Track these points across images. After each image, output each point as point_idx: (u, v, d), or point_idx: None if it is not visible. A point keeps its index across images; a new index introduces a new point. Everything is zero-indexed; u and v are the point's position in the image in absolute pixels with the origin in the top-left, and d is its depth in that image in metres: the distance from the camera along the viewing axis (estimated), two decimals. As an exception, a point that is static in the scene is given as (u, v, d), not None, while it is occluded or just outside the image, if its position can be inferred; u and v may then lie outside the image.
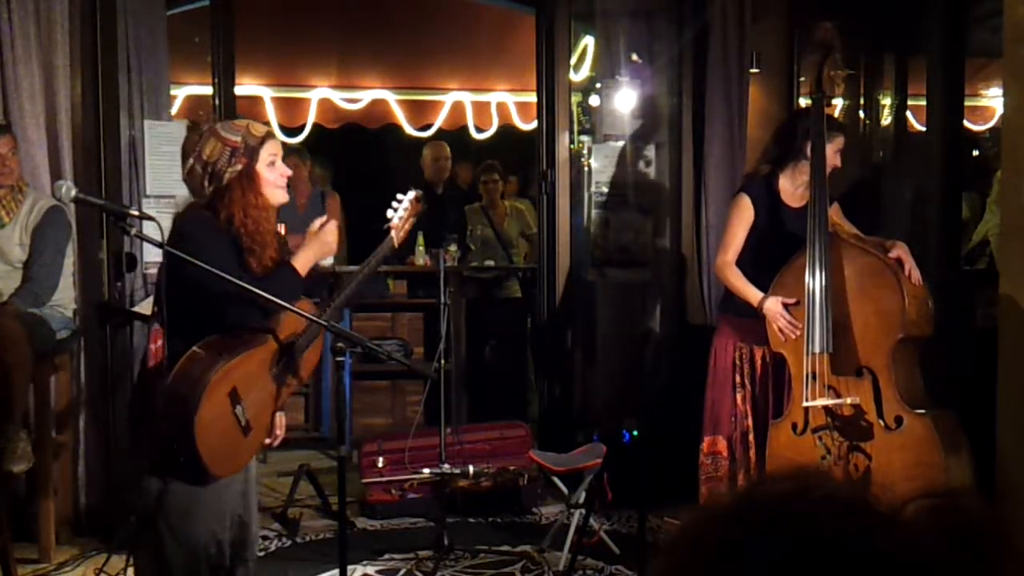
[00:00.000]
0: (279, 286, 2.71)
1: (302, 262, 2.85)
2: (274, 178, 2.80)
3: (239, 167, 2.72)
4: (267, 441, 3.04)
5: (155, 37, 4.78)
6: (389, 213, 3.17)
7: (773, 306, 3.69)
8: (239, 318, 2.73)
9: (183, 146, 2.81)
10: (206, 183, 2.73)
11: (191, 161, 2.75)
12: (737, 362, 3.91)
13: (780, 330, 3.67)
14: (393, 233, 3.14)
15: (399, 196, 3.22)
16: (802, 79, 5.37)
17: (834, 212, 3.79)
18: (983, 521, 0.71)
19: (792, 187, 3.90)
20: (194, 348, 2.65)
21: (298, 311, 2.74)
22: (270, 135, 2.82)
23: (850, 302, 3.59)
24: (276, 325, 2.78)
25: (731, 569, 0.69)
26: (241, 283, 2.62)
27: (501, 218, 7.04)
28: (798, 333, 3.63)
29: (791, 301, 3.66)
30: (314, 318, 2.77)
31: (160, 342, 2.74)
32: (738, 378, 3.90)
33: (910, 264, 3.56)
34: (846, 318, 3.58)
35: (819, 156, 3.70)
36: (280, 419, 3.06)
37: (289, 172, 2.86)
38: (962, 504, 0.71)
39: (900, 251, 3.59)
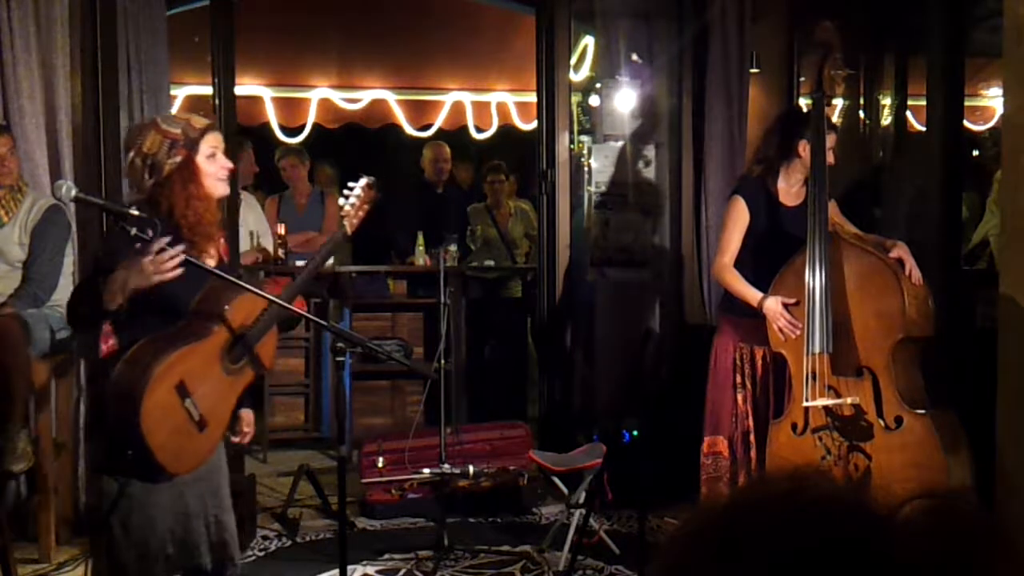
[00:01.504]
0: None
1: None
2: (215, 170, 2.78)
3: (179, 159, 2.71)
4: (235, 440, 2.99)
5: (155, 37, 4.77)
6: (340, 201, 3.12)
7: (773, 306, 3.69)
8: (171, 315, 2.68)
9: (124, 141, 2.79)
10: (146, 176, 2.72)
11: (131, 154, 2.73)
12: (738, 362, 3.90)
13: (780, 330, 3.67)
14: (345, 221, 3.08)
15: (350, 184, 3.15)
16: (802, 79, 5.38)
17: (832, 211, 3.79)
18: (979, 522, 0.71)
19: (787, 186, 3.90)
20: (140, 343, 2.62)
21: (263, 294, 2.73)
22: (211, 128, 2.80)
23: (850, 302, 3.58)
24: (221, 319, 2.73)
25: (729, 569, 0.69)
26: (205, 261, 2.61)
27: (505, 218, 7.04)
28: (798, 333, 3.63)
29: (791, 301, 3.66)
30: (317, 319, 2.77)
31: (112, 340, 2.73)
32: (739, 378, 3.90)
33: (911, 264, 3.56)
34: (846, 318, 3.58)
35: (819, 155, 3.70)
36: (247, 415, 3.00)
37: (230, 165, 2.83)
38: (958, 505, 0.71)
39: (901, 251, 3.59)
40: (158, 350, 2.62)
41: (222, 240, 2.92)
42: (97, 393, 2.79)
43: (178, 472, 2.69)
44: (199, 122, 2.79)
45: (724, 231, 3.93)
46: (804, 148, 3.78)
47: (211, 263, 2.79)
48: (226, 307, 2.72)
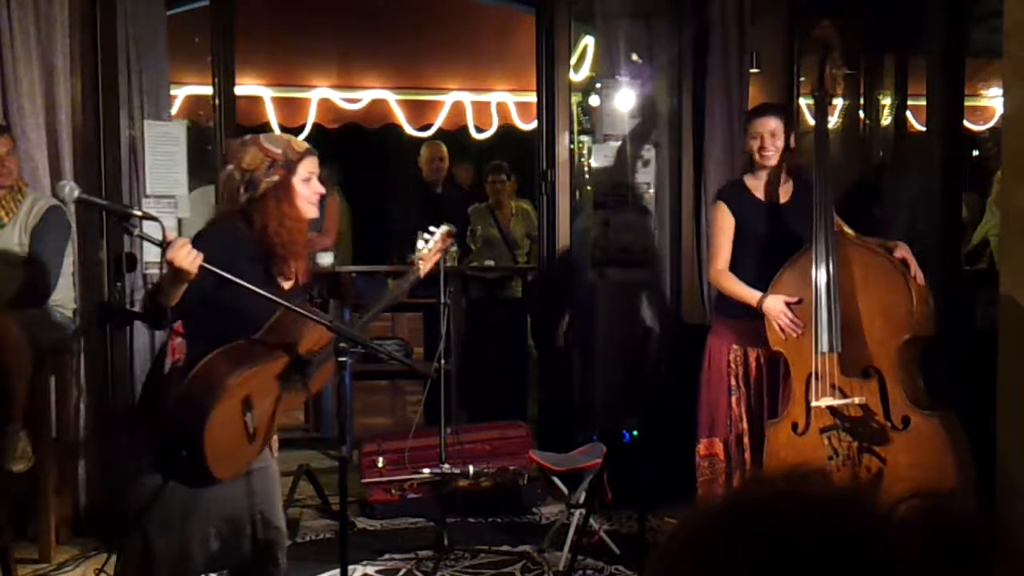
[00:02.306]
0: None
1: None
2: (308, 194, 2.85)
3: (276, 178, 2.78)
4: None
5: (155, 37, 4.77)
6: (420, 244, 3.24)
7: (774, 304, 3.68)
8: (239, 328, 2.72)
9: (224, 153, 2.86)
10: (242, 190, 2.78)
11: (230, 167, 2.80)
12: (732, 365, 3.88)
13: (781, 328, 3.65)
14: (421, 263, 3.21)
15: (432, 228, 3.29)
16: (802, 79, 5.37)
17: None
18: (975, 522, 0.71)
19: (761, 185, 3.89)
20: (216, 352, 2.66)
21: (320, 319, 2.75)
22: (310, 152, 2.88)
23: (858, 302, 3.58)
24: (294, 343, 2.79)
25: (724, 570, 0.69)
26: (267, 294, 2.65)
27: (507, 218, 7.03)
28: (800, 331, 3.62)
29: (793, 299, 3.66)
30: (320, 319, 2.78)
31: (179, 340, 2.76)
32: (733, 381, 3.88)
33: (915, 265, 3.57)
34: (853, 318, 3.57)
35: (822, 153, 3.70)
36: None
37: (323, 190, 2.91)
38: (954, 504, 0.71)
39: (904, 252, 3.60)
40: (234, 364, 2.66)
41: (304, 261, 2.99)
42: (154, 392, 2.83)
43: (222, 478, 2.73)
44: (300, 145, 2.87)
45: (713, 239, 3.95)
46: (753, 142, 3.81)
47: (287, 284, 2.87)
48: (303, 332, 2.77)
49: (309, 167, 2.85)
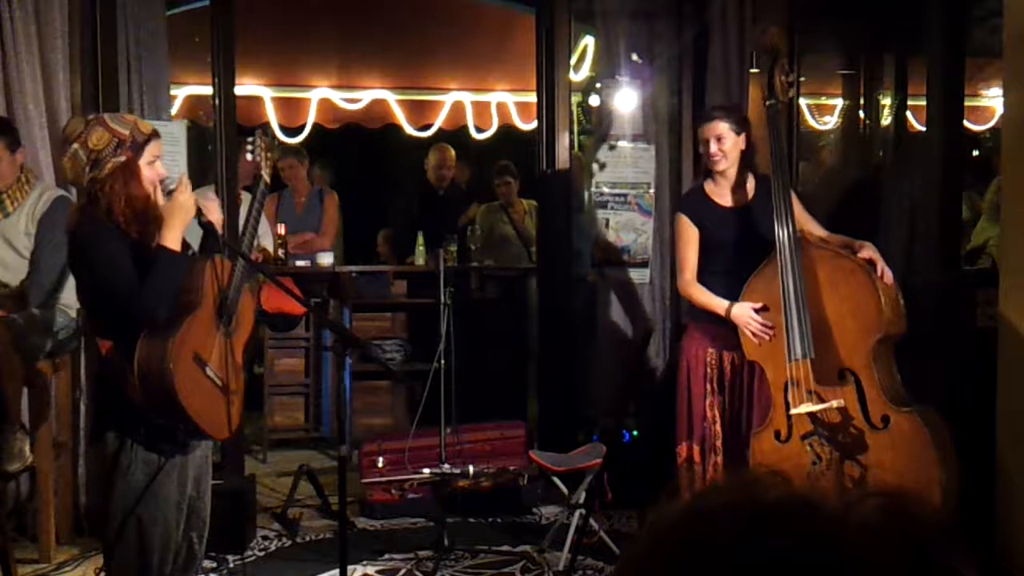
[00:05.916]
0: (164, 269, 2.75)
1: (170, 239, 2.81)
2: (152, 176, 2.86)
3: (123, 159, 2.78)
4: None
5: (155, 37, 4.77)
6: (248, 156, 3.26)
7: (741, 311, 3.63)
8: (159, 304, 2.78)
9: (64, 132, 2.86)
10: (87, 169, 2.79)
11: (75, 147, 2.78)
12: (708, 369, 3.83)
13: (753, 334, 3.62)
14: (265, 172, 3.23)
15: (249, 139, 3.30)
16: (802, 79, 5.37)
17: (796, 211, 3.71)
18: (930, 522, 0.70)
19: (721, 190, 3.85)
20: (141, 338, 2.72)
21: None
22: (156, 135, 2.89)
23: (826, 305, 3.55)
24: (199, 290, 2.84)
25: None
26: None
27: (520, 216, 7.02)
28: (770, 334, 3.59)
29: (758, 305, 3.62)
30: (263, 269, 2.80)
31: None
32: (708, 385, 3.82)
33: (882, 265, 3.53)
34: (824, 322, 3.54)
35: (780, 161, 3.67)
36: None
37: (164, 174, 2.90)
38: (910, 505, 0.71)
39: (870, 252, 3.56)
40: (163, 335, 2.73)
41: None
42: (104, 387, 2.93)
43: (222, 438, 2.90)
44: (145, 127, 2.88)
45: (678, 250, 3.90)
46: (702, 147, 3.79)
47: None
48: (196, 282, 2.84)
49: (154, 150, 2.86)
